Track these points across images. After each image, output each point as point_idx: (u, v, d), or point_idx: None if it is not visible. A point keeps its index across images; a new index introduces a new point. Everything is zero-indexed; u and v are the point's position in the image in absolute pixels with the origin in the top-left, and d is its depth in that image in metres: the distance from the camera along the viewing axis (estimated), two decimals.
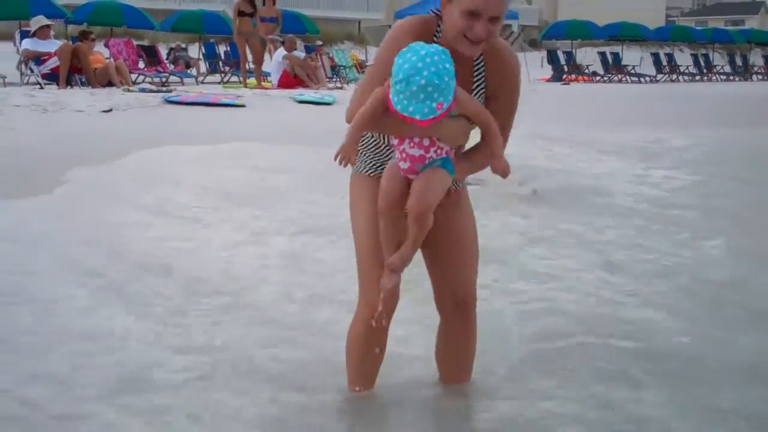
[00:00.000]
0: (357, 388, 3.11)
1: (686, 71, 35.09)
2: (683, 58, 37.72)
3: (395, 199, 2.69)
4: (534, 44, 46.66)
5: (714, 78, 36.19)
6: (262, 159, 8.99)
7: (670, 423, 3.04)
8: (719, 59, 40.56)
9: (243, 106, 13.43)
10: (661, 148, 11.74)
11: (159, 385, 3.29)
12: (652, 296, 4.62)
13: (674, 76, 34.35)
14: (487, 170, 2.74)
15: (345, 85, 21.30)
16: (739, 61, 40.22)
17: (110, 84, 15.83)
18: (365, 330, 2.94)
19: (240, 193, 7.25)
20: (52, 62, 15.76)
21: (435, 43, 2.60)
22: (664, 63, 34.86)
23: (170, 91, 14.90)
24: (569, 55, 32.80)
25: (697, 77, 35.48)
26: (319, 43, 24.72)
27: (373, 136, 2.87)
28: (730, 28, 55.91)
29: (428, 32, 2.68)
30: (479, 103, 2.71)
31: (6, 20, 21.22)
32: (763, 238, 6.20)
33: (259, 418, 3.03)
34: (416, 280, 3.27)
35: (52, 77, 15.76)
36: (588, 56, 34.56)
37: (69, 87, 15.47)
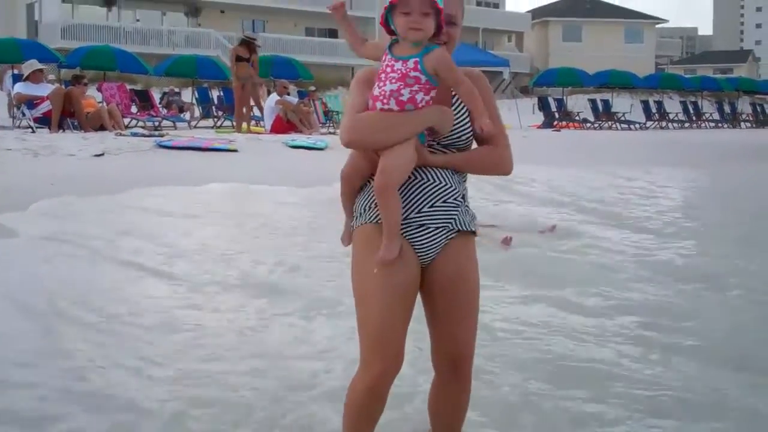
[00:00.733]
0: None
1: (676, 118, 35.39)
2: (672, 105, 38.08)
3: (358, 169, 2.83)
4: (525, 91, 47.05)
5: (703, 125, 36.50)
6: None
7: None
8: (708, 107, 40.95)
9: (235, 151, 13.42)
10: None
11: None
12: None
13: (664, 123, 34.64)
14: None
15: (337, 131, 21.37)
16: (727, 109, 40.61)
17: (102, 128, 15.82)
18: (366, 394, 2.83)
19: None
20: (45, 106, 15.77)
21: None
22: (654, 110, 35.20)
23: (162, 136, 14.89)
24: (560, 102, 33.09)
25: (687, 124, 35.78)
26: (312, 88, 24.89)
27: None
28: (718, 76, 56.56)
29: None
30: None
31: None
32: None
33: None
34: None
35: (44, 121, 15.76)
36: (578, 103, 34.87)
37: (61, 131, 15.46)
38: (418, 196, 2.80)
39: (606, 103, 33.82)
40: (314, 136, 16.96)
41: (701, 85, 41.77)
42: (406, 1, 2.70)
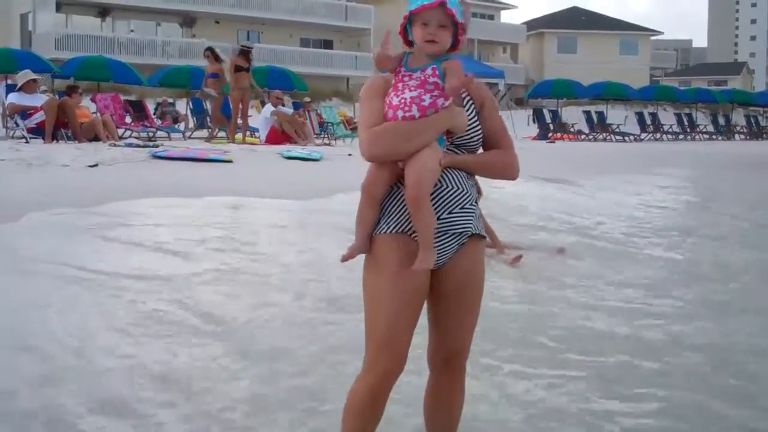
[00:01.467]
0: None
1: (670, 130, 35.44)
2: (667, 117, 38.15)
3: (379, 179, 2.84)
4: (520, 103, 47.09)
5: (697, 137, 36.56)
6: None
7: None
8: (702, 118, 41.06)
9: (230, 161, 13.36)
10: None
11: None
12: None
13: (658, 135, 34.67)
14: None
15: (333, 142, 21.33)
16: (721, 121, 40.70)
17: (96, 138, 15.74)
18: (369, 396, 2.88)
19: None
20: (38, 116, 15.71)
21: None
22: (649, 122, 35.24)
23: (157, 146, 14.83)
24: (555, 114, 33.11)
25: (681, 136, 35.83)
26: (307, 99, 24.83)
27: (398, 188, 2.87)
28: (713, 88, 56.69)
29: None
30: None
31: None
32: None
33: None
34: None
35: (37, 131, 15.69)
36: (573, 115, 34.89)
37: (55, 141, 15.39)
38: (438, 203, 2.86)
39: (601, 114, 33.85)
40: (309, 147, 16.92)
41: (696, 97, 41.85)
42: (424, 13, 2.80)
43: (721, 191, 15.38)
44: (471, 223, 2.91)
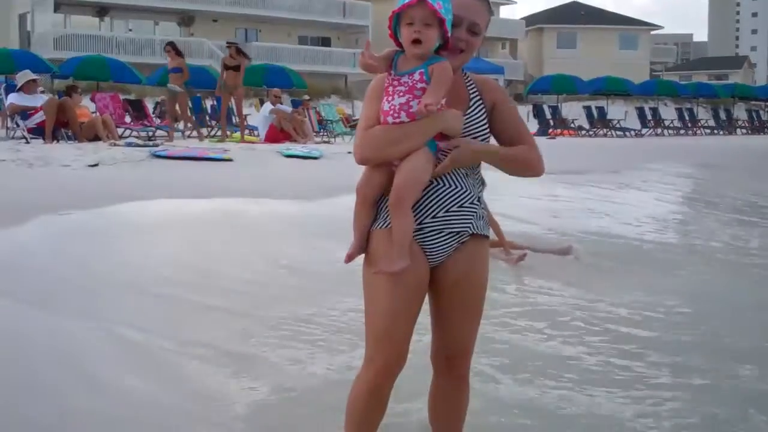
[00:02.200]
0: None
1: (671, 125, 35.38)
2: (668, 112, 38.10)
3: (373, 182, 2.83)
4: (520, 98, 46.97)
5: (699, 132, 36.51)
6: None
7: None
8: (703, 113, 40.98)
9: (230, 160, 13.33)
10: None
11: None
12: None
13: (659, 130, 34.62)
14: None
15: (332, 139, 21.32)
16: (722, 115, 40.62)
17: (96, 138, 15.72)
18: (369, 391, 2.89)
19: None
20: (38, 117, 15.70)
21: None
22: (649, 117, 35.18)
23: (157, 146, 14.80)
24: (555, 110, 33.06)
25: (682, 131, 35.78)
26: (306, 97, 24.82)
27: None
28: (713, 82, 56.63)
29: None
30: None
31: None
32: None
33: None
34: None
35: (38, 132, 15.67)
36: (573, 110, 34.87)
37: (55, 141, 15.37)
38: (434, 202, 2.86)
39: (601, 110, 33.81)
40: (309, 146, 16.90)
41: (697, 92, 41.74)
42: (408, 11, 2.76)
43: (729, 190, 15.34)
44: (470, 223, 2.89)
